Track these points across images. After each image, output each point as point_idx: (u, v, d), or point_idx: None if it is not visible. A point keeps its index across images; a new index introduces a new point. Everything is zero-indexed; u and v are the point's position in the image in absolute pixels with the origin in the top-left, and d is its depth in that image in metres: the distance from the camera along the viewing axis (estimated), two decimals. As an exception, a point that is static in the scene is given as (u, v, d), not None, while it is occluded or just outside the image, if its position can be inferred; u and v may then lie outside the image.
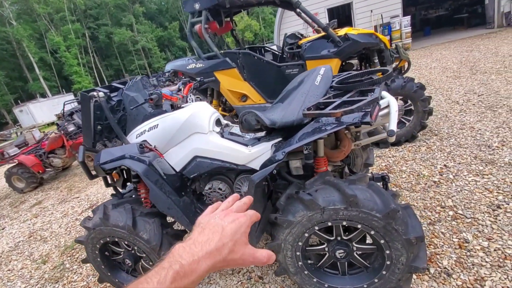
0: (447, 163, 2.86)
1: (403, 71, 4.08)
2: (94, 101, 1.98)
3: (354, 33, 3.31)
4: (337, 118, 1.25)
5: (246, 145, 1.76)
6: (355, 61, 4.33)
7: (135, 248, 1.85)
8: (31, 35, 30.17)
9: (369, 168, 2.47)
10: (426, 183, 2.62)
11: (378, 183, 1.74)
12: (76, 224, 3.72)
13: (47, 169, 5.70)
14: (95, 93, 1.96)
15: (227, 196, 1.87)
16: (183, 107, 2.11)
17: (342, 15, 12.85)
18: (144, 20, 40.78)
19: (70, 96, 23.31)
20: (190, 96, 3.87)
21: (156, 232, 1.76)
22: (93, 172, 1.92)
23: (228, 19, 4.53)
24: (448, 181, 2.57)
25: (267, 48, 4.93)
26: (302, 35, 4.06)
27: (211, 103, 4.09)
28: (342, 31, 3.45)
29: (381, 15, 11.19)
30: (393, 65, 3.71)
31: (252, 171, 1.67)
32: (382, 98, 1.45)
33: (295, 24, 11.45)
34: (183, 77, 3.82)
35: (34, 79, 31.36)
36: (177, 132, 1.84)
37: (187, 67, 3.72)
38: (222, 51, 3.87)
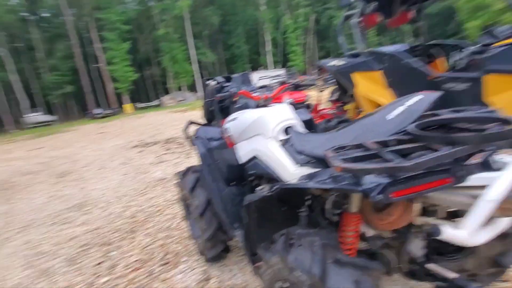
0: None
1: None
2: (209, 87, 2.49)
3: None
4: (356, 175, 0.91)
5: (297, 163, 1.65)
6: None
7: None
8: (272, 18, 37.74)
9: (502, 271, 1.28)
10: None
11: None
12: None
13: None
14: (209, 82, 2.45)
15: None
16: (267, 106, 2.21)
17: None
18: (369, 1, 39.67)
19: (281, 71, 27.94)
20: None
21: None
22: None
23: (412, 7, 3.69)
24: None
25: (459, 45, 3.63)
26: (512, 33, 2.63)
27: (344, 104, 3.68)
28: None
29: None
30: None
31: None
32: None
33: None
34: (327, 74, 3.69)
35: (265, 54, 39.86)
36: (246, 129, 1.99)
37: (329, 64, 3.49)
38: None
